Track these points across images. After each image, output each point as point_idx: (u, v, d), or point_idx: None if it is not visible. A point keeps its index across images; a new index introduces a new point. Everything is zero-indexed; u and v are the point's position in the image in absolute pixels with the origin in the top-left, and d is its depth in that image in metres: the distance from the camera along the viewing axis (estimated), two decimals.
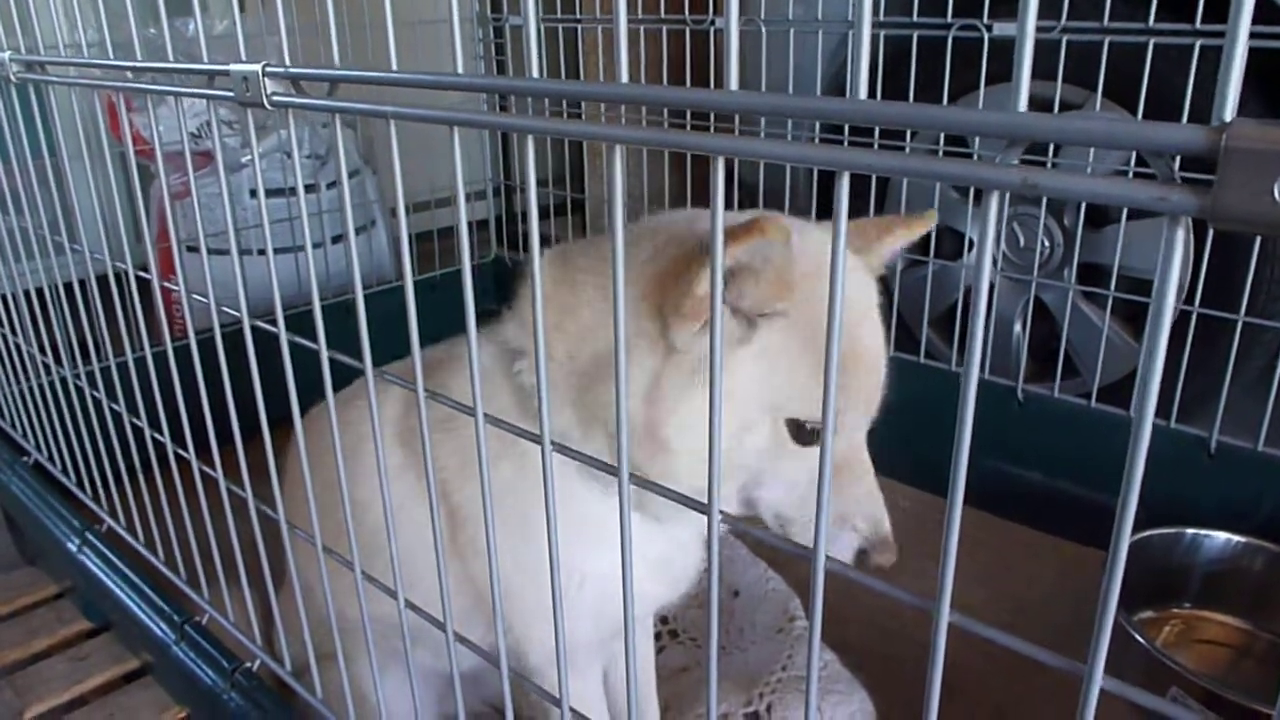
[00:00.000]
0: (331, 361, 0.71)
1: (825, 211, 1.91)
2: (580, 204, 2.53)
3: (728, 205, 0.46)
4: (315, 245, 2.13)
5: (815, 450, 0.71)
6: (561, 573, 0.81)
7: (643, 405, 0.73)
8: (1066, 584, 1.47)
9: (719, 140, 0.40)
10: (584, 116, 2.41)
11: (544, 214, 2.56)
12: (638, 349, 0.73)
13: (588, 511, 0.79)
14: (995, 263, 1.84)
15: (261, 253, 2.05)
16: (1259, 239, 1.42)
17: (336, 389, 0.72)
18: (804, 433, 0.75)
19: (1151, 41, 1.43)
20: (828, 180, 1.92)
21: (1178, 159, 0.31)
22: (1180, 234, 0.31)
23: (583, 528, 0.77)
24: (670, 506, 0.54)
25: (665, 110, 2.00)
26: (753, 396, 0.73)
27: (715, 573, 0.48)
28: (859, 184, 1.71)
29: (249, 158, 2.00)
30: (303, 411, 0.76)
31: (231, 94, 0.67)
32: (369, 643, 0.78)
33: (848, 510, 0.75)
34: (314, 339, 0.71)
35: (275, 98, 0.64)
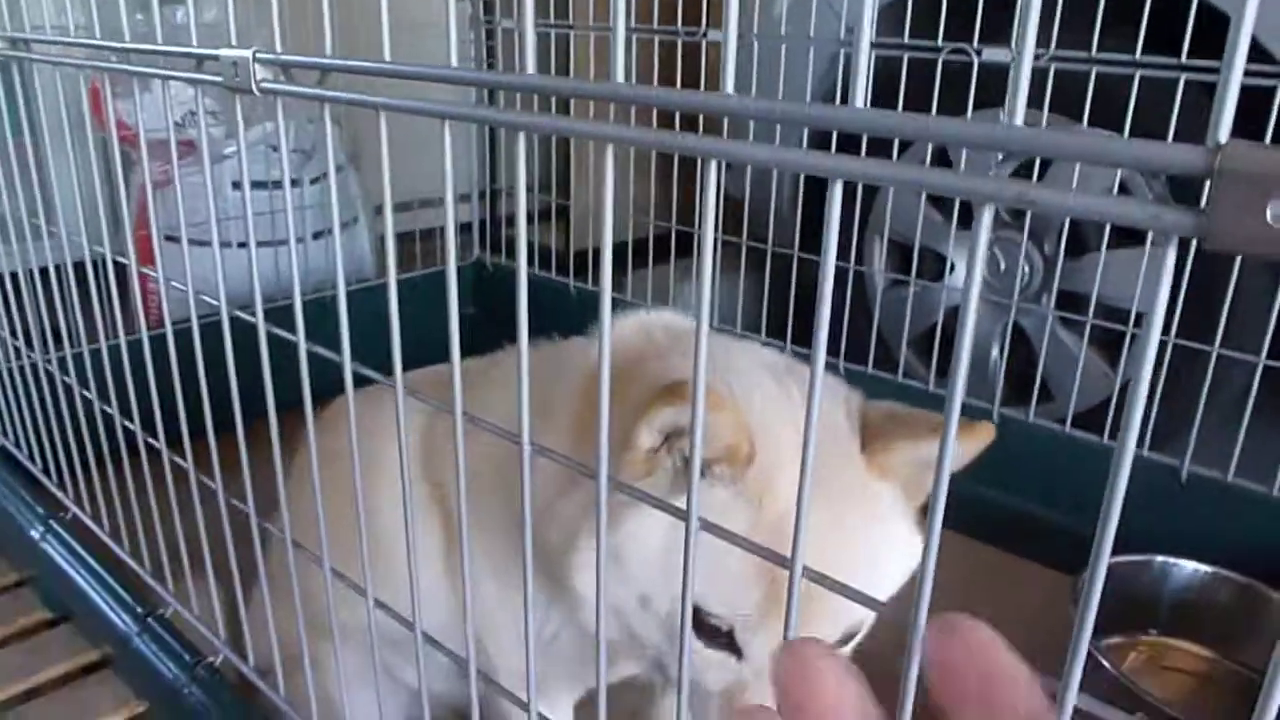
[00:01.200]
0: (311, 358, 0.70)
1: (808, 228, 1.92)
2: (565, 210, 2.53)
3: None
4: (297, 240, 2.11)
5: (720, 659, 0.67)
6: (540, 617, 0.81)
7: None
8: (1038, 608, 1.47)
9: (712, 143, 0.40)
10: (572, 110, 2.41)
11: (527, 219, 2.56)
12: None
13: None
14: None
15: (242, 245, 2.03)
16: (1235, 272, 1.44)
17: (315, 387, 0.71)
18: (705, 630, 0.67)
19: (1138, 74, 1.45)
20: (811, 195, 1.93)
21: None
22: (1171, 254, 0.31)
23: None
24: None
25: (655, 114, 2.01)
26: (658, 562, 0.67)
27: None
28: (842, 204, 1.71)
29: (232, 149, 1.98)
30: (279, 409, 0.75)
31: (220, 79, 0.66)
32: (336, 648, 0.76)
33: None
34: (292, 334, 0.70)
35: (264, 84, 0.63)
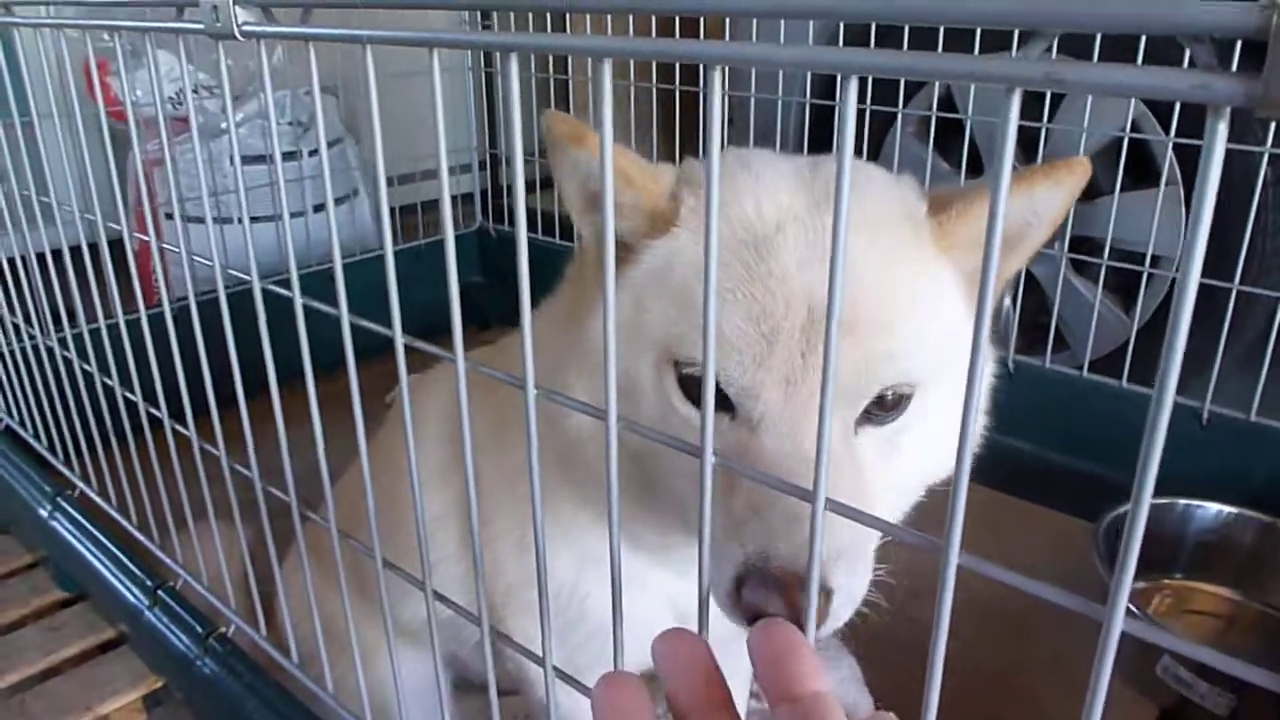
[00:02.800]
0: (319, 329, 0.68)
1: (817, 151, 1.88)
2: None
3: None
4: (297, 214, 2.09)
5: (723, 425, 0.58)
6: (566, 593, 0.78)
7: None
8: (1055, 554, 1.46)
9: (713, 47, 0.37)
10: (570, 69, 2.37)
11: (530, 187, 2.53)
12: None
13: (593, 547, 0.76)
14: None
15: (242, 221, 2.01)
16: (1254, 207, 1.40)
17: (316, 358, 0.69)
18: (687, 384, 0.59)
19: None
20: (818, 117, 1.88)
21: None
22: (1222, 128, 0.28)
23: (589, 562, 0.76)
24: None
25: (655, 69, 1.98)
26: (632, 332, 0.62)
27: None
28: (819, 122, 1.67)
29: (227, 123, 1.96)
30: (281, 381, 0.74)
31: (201, 26, 0.64)
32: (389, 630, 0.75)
33: (743, 519, 0.54)
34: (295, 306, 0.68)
35: (246, 28, 0.61)
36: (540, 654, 0.59)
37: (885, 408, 0.60)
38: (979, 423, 0.71)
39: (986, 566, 0.39)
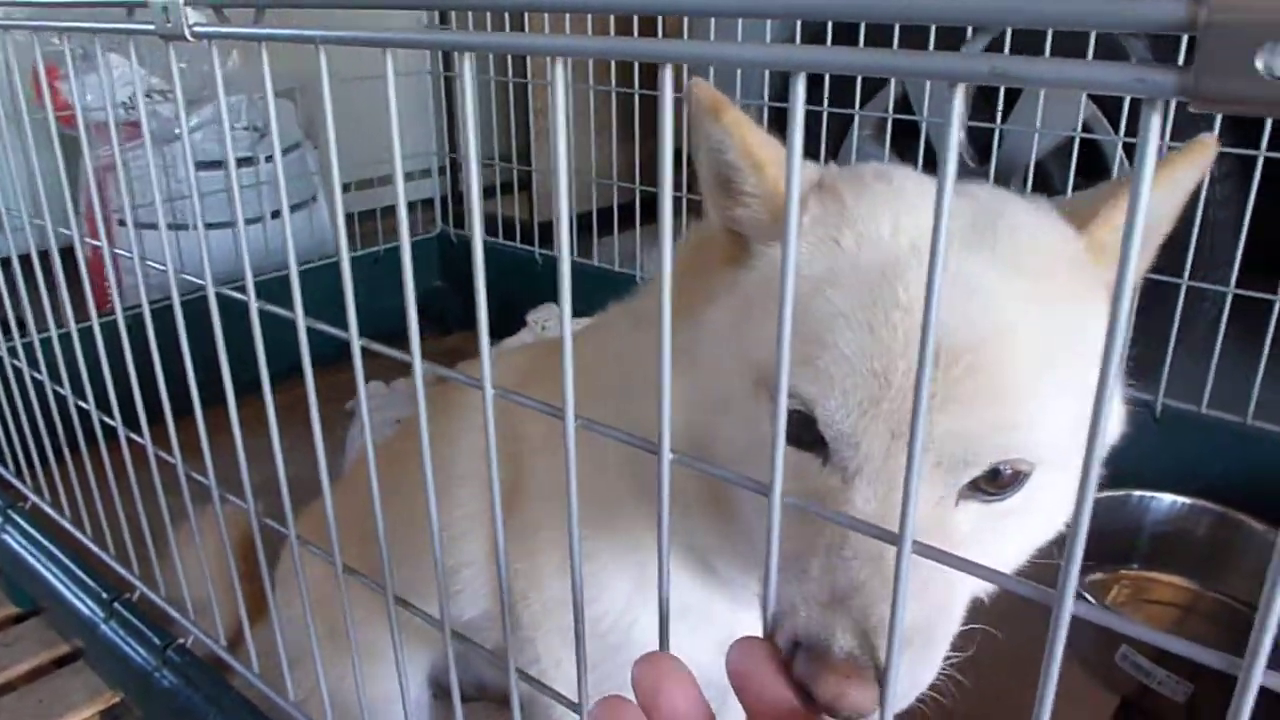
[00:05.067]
0: (270, 338, 0.67)
1: None
2: (528, 180, 2.50)
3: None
4: (254, 220, 2.07)
5: (796, 460, 0.52)
6: (613, 617, 0.73)
7: None
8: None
9: (670, 45, 0.38)
10: (530, 73, 2.37)
11: (490, 192, 2.53)
12: None
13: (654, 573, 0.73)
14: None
15: (205, 227, 1.98)
16: (1201, 205, 1.43)
17: (274, 366, 0.69)
18: (799, 428, 0.51)
19: None
20: (778, 120, 1.89)
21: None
22: (1156, 120, 0.29)
23: (645, 587, 0.71)
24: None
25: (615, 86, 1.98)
26: (733, 344, 0.56)
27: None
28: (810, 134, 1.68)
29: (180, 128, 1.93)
30: (238, 389, 0.73)
31: (152, 27, 0.63)
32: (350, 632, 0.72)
33: (834, 586, 0.47)
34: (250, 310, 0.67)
35: (197, 29, 0.60)
36: (574, 698, 0.55)
37: (998, 484, 0.52)
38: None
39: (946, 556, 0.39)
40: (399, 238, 0.53)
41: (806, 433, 0.51)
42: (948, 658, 0.51)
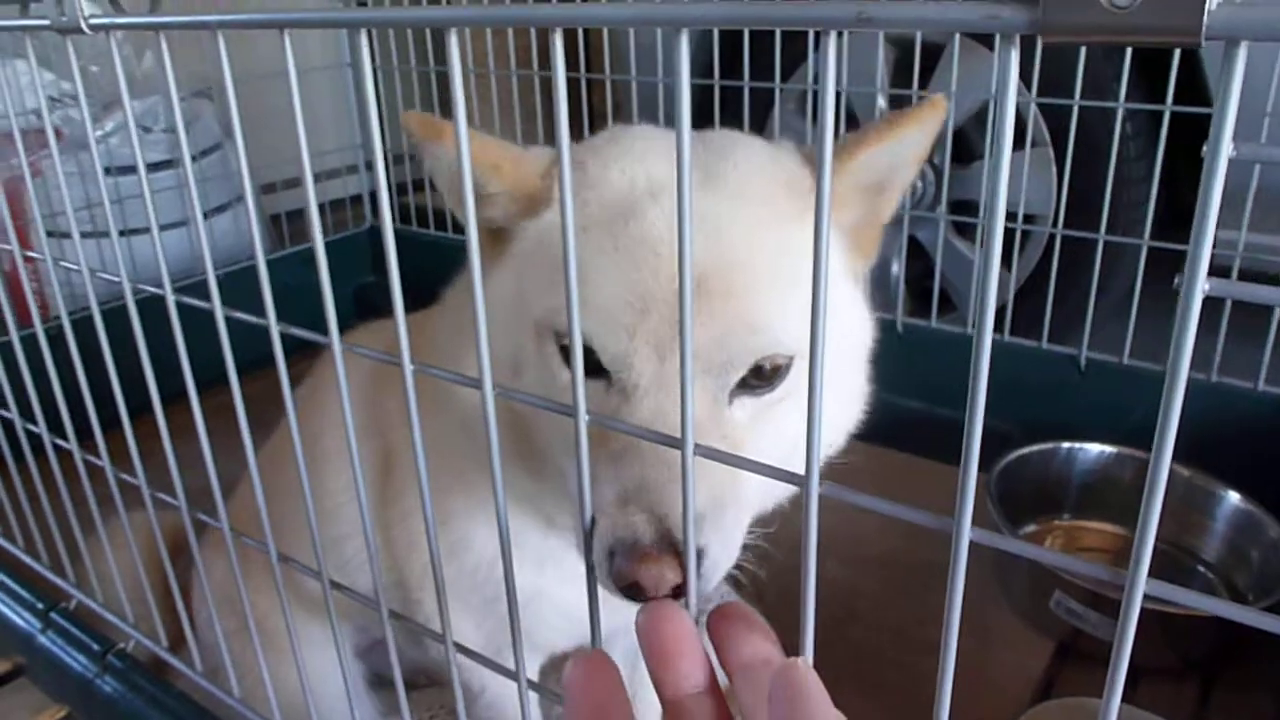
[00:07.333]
0: (196, 345, 0.67)
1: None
2: None
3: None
4: (177, 224, 2.03)
5: (600, 393, 0.58)
6: (485, 568, 0.77)
7: None
8: (950, 505, 1.51)
9: (554, 10, 0.38)
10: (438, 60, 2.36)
11: (416, 186, 2.51)
12: None
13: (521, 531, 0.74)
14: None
15: (122, 233, 1.94)
16: (1113, 161, 1.47)
17: (199, 373, 0.68)
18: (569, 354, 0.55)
19: None
20: (703, 97, 1.90)
21: None
22: (1013, 53, 0.30)
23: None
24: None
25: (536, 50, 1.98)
26: (515, 309, 0.64)
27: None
28: (734, 109, 1.70)
29: (99, 133, 1.88)
30: (164, 397, 0.73)
31: (47, 21, 0.62)
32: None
33: (623, 489, 0.53)
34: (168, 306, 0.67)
35: (93, 20, 0.59)
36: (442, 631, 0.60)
37: (762, 378, 0.60)
38: (863, 390, 0.73)
39: (847, 494, 0.41)
40: (309, 225, 0.54)
41: (589, 362, 0.57)
42: (751, 531, 0.59)
